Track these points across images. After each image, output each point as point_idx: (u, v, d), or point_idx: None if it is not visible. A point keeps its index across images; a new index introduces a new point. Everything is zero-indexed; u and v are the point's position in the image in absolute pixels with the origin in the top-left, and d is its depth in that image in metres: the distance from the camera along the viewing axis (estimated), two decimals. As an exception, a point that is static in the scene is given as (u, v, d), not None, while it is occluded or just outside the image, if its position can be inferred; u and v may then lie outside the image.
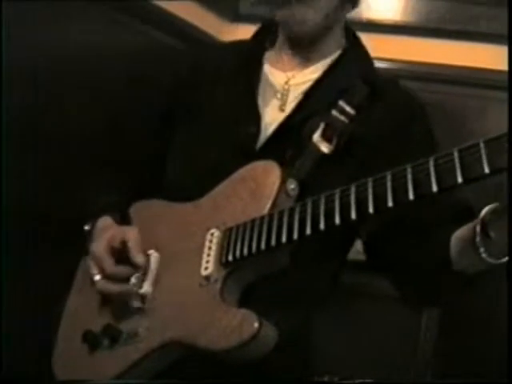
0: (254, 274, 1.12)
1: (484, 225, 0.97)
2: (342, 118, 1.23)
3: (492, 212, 0.96)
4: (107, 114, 1.74)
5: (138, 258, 1.19)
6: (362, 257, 1.33)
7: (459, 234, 1.07)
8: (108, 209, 1.35)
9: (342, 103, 1.24)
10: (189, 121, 1.37)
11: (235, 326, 1.04)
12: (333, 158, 1.21)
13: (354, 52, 1.37)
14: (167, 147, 1.39)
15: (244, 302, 1.11)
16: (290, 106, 1.29)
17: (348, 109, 1.24)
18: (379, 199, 0.95)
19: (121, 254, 1.21)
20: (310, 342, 1.33)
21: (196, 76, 1.41)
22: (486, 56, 2.15)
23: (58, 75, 1.60)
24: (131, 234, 1.22)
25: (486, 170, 0.83)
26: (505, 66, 2.07)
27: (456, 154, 0.87)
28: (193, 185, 1.28)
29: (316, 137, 1.21)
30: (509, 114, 2.05)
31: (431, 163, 0.90)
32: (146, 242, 1.22)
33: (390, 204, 0.93)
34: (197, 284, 1.13)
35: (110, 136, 1.69)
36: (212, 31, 1.99)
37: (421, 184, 0.91)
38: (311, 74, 1.32)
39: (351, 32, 1.40)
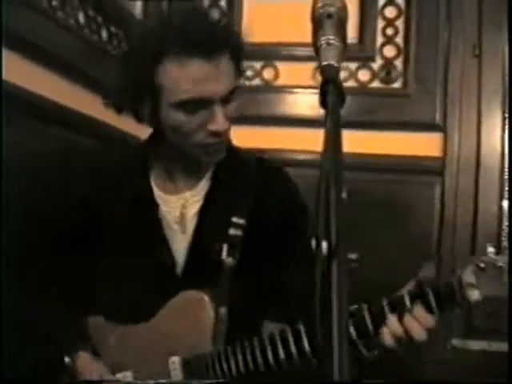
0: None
1: None
2: (239, 232, 1.37)
3: None
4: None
5: None
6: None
7: None
8: (80, 343, 1.41)
9: (235, 220, 1.37)
10: (105, 249, 1.44)
11: None
12: (239, 269, 1.36)
13: (229, 155, 1.42)
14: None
15: None
16: (190, 227, 1.40)
17: (240, 222, 1.37)
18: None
19: None
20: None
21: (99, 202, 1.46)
22: (387, 142, 2.38)
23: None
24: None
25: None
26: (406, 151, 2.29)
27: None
28: (127, 311, 1.39)
29: (224, 257, 1.35)
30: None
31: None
32: (116, 365, 1.37)
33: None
34: None
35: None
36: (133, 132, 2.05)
37: None
38: (201, 191, 1.42)
39: None
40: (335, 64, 0.81)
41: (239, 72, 1.35)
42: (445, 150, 2.34)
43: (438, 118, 2.36)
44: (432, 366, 2.27)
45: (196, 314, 1.33)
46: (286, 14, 2.50)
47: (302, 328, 1.19)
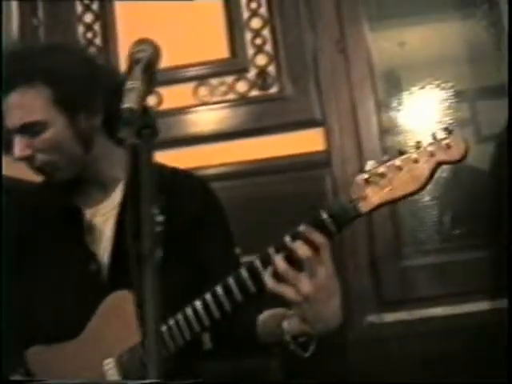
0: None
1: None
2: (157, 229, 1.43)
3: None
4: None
5: None
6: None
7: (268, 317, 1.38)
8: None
9: None
10: (31, 268, 1.53)
11: None
12: (164, 262, 1.37)
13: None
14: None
15: None
16: (110, 232, 1.50)
17: (158, 219, 1.40)
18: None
19: None
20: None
21: (23, 224, 1.57)
22: (274, 145, 2.51)
23: None
24: None
25: None
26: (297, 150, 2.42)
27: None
28: (63, 327, 1.45)
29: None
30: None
31: None
32: None
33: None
34: None
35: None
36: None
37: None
38: (116, 198, 1.52)
39: None
40: (134, 107, 0.94)
41: (64, 101, 1.43)
42: (328, 142, 2.49)
43: (316, 114, 2.51)
44: (353, 347, 2.39)
45: (122, 311, 1.38)
46: (161, 40, 2.60)
47: (219, 290, 1.27)
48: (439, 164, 1.13)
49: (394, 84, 2.98)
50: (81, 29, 2.77)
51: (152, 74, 1.03)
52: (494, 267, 2.40)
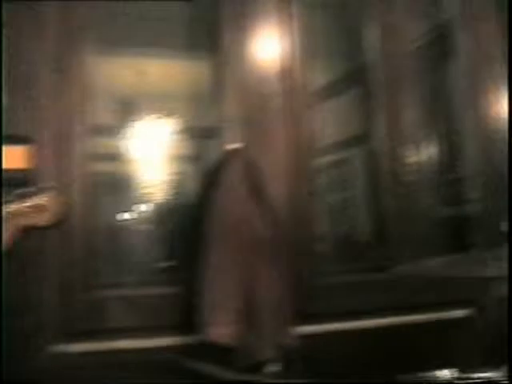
0: None
1: None
2: None
3: None
4: None
5: None
6: None
7: None
8: None
9: None
10: None
11: None
12: None
13: None
14: None
15: None
16: None
17: None
18: None
19: None
20: None
21: None
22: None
23: None
24: None
25: None
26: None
27: None
28: None
29: None
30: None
31: None
32: None
33: None
34: None
35: None
36: None
37: None
38: None
39: None
40: None
41: None
42: (33, 161, 2.39)
43: (24, 130, 2.39)
44: (38, 377, 2.30)
45: None
46: None
47: None
48: (27, 228, 0.98)
49: (122, 111, 3.00)
50: None
51: None
52: (188, 303, 2.47)
